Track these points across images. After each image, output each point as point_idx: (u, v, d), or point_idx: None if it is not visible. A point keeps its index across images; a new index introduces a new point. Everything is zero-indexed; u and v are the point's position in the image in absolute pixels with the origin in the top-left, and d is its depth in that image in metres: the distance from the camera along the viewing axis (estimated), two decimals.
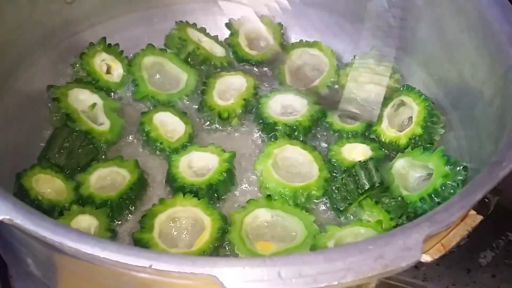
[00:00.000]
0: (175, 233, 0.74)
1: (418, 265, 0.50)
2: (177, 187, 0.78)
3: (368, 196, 0.76)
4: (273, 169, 0.80)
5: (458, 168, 0.72)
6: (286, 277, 0.46)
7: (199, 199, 0.75)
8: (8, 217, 0.49)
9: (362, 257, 0.48)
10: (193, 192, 0.77)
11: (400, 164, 0.80)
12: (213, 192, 0.78)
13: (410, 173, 0.80)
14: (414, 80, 0.91)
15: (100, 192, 0.77)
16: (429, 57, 0.89)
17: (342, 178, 0.77)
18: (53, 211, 0.73)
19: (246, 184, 0.83)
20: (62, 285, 0.61)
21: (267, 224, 0.76)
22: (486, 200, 0.59)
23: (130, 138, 0.88)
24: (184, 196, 0.76)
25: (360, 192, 0.76)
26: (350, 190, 0.76)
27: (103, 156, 0.84)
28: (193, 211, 0.75)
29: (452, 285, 0.57)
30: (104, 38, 0.93)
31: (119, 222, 0.77)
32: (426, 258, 0.55)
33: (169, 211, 0.74)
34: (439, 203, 0.72)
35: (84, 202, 0.75)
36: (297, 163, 0.83)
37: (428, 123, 0.82)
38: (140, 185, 0.79)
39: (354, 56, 0.96)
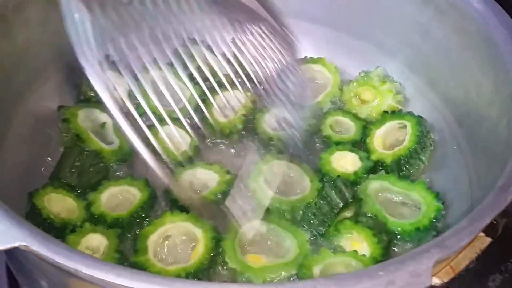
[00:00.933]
0: (170, 251, 0.75)
1: None
2: (170, 199, 0.80)
3: (344, 218, 0.77)
4: (267, 186, 0.81)
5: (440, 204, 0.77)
6: None
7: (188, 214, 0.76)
8: (24, 243, 0.50)
9: (372, 283, 0.48)
10: (185, 207, 0.77)
11: (375, 186, 0.81)
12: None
13: (387, 197, 0.81)
14: (420, 98, 0.92)
15: (111, 210, 0.78)
16: (435, 75, 0.90)
17: (315, 203, 0.78)
18: (64, 229, 0.74)
19: None
20: None
21: (261, 237, 0.76)
22: (495, 222, 0.59)
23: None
24: (172, 212, 0.76)
25: (336, 211, 0.77)
26: (326, 213, 0.77)
27: (117, 173, 0.85)
28: (184, 226, 0.75)
29: None
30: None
31: (129, 241, 0.78)
32: (435, 281, 0.55)
33: (160, 230, 0.75)
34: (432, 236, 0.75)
35: (96, 220, 0.76)
36: (288, 177, 0.84)
37: (416, 150, 0.84)
38: (150, 204, 0.80)
39: (359, 73, 0.97)
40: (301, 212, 0.78)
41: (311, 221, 0.77)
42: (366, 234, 0.74)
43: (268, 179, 0.82)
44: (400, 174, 0.84)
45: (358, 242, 0.74)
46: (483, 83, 0.78)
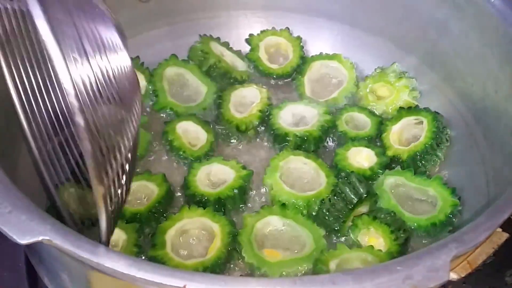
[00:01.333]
0: (187, 245, 0.76)
1: (445, 284, 0.51)
2: (188, 195, 0.80)
3: (362, 214, 0.77)
4: (282, 182, 0.81)
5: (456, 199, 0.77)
6: None
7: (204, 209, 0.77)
8: (47, 237, 0.51)
9: (390, 278, 0.49)
10: (202, 202, 0.79)
11: (390, 182, 0.81)
12: (220, 206, 0.79)
13: (403, 193, 0.81)
14: (436, 94, 0.92)
15: (129, 205, 0.79)
16: (452, 71, 0.90)
17: (329, 199, 0.78)
18: (84, 224, 0.75)
19: (258, 197, 0.84)
20: None
21: (277, 232, 0.77)
22: None
23: (156, 147, 0.90)
24: (189, 208, 0.77)
25: (350, 207, 0.77)
26: (340, 209, 0.77)
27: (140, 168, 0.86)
28: (201, 220, 0.76)
29: None
30: None
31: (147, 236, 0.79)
32: (452, 276, 0.55)
33: (178, 225, 0.76)
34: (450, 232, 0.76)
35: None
36: (303, 172, 0.84)
37: (432, 146, 0.84)
38: (168, 199, 0.81)
39: (375, 69, 0.97)
40: (316, 208, 0.79)
41: (326, 217, 0.78)
42: (383, 231, 0.75)
43: (284, 174, 0.83)
44: (417, 170, 0.84)
45: (374, 238, 0.75)
46: (500, 79, 0.78)
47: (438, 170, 0.86)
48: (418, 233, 0.76)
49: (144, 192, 0.82)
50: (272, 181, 0.81)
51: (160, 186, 0.81)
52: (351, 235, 0.77)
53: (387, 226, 0.75)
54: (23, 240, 0.51)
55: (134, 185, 0.82)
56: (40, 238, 0.51)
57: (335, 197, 0.78)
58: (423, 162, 0.85)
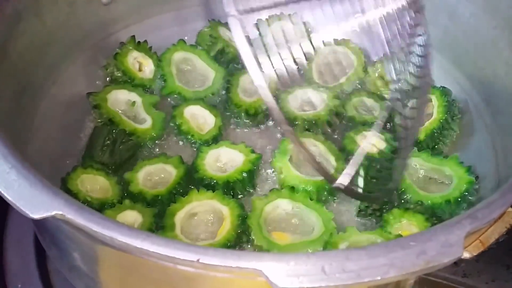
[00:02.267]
0: (197, 228, 0.76)
1: (458, 262, 0.50)
2: (196, 178, 0.80)
3: (393, 207, 0.77)
4: (292, 166, 0.81)
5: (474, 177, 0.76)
6: (330, 272, 0.47)
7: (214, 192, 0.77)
8: (60, 212, 0.51)
9: (404, 253, 0.49)
10: (211, 186, 0.79)
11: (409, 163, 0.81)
12: (228, 190, 0.79)
13: (420, 173, 0.81)
14: (446, 77, 0.91)
15: (149, 189, 0.79)
16: (462, 54, 0.89)
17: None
18: (103, 209, 0.75)
19: (267, 181, 0.84)
20: (108, 279, 0.63)
21: (286, 215, 0.77)
22: None
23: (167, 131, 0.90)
24: (198, 191, 0.77)
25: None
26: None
27: (151, 151, 0.87)
28: (210, 203, 0.76)
29: (492, 281, 0.57)
30: (133, 37, 0.95)
31: None
32: (465, 254, 0.55)
33: (187, 207, 0.76)
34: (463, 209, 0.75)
35: (135, 199, 0.77)
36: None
37: (447, 120, 0.84)
38: (187, 180, 0.81)
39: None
40: (325, 193, 0.79)
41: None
42: (417, 220, 0.74)
43: (293, 158, 0.83)
44: (434, 148, 0.83)
45: (408, 231, 0.74)
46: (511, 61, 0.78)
47: (455, 146, 0.86)
48: (434, 211, 0.76)
49: (162, 174, 0.82)
50: (281, 164, 0.81)
51: (178, 167, 0.81)
52: (383, 232, 0.74)
53: (421, 214, 0.74)
54: (36, 215, 0.51)
55: (152, 168, 0.82)
56: (53, 213, 0.51)
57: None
58: (440, 138, 0.84)
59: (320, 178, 0.79)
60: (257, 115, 0.90)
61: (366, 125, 0.87)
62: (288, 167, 0.81)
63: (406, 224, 0.74)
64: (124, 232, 0.50)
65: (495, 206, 0.53)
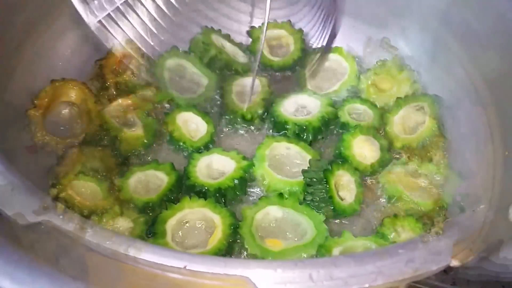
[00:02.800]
0: (188, 235, 0.75)
1: (447, 270, 0.50)
2: (187, 185, 0.80)
3: (384, 218, 0.77)
4: (273, 170, 0.81)
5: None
6: (317, 279, 0.47)
7: (206, 200, 0.77)
8: (46, 218, 0.51)
9: (392, 261, 0.49)
10: (202, 193, 0.78)
11: (397, 170, 0.82)
12: (220, 196, 0.79)
13: (410, 181, 0.82)
14: (437, 84, 0.91)
15: (140, 195, 0.78)
16: (453, 60, 0.89)
17: (306, 191, 0.78)
18: (94, 214, 0.74)
19: (259, 187, 0.83)
20: (95, 284, 0.62)
21: (277, 221, 0.77)
22: None
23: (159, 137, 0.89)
24: (190, 198, 0.77)
25: (325, 182, 0.77)
26: (319, 189, 0.77)
27: (142, 159, 0.86)
28: (202, 211, 0.76)
29: None
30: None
31: None
32: (454, 263, 0.55)
33: (178, 215, 0.75)
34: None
35: (126, 206, 0.77)
36: (288, 158, 0.84)
37: (439, 127, 0.85)
38: (178, 187, 0.80)
39: (377, 62, 0.97)
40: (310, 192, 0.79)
41: (315, 203, 0.77)
42: (409, 223, 0.74)
43: (272, 163, 0.83)
44: (426, 156, 0.84)
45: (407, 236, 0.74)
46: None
47: (445, 153, 0.86)
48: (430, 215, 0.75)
49: (154, 181, 0.81)
50: (262, 171, 0.81)
51: (169, 174, 0.81)
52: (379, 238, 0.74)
53: (411, 216, 0.74)
54: (23, 221, 0.51)
55: (143, 175, 0.81)
56: (40, 219, 0.51)
57: (309, 186, 0.78)
58: (432, 145, 0.84)
59: (301, 178, 0.80)
60: (254, 120, 0.90)
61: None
62: (269, 173, 0.81)
63: (402, 231, 0.74)
64: (112, 239, 0.50)
65: (483, 216, 0.53)
